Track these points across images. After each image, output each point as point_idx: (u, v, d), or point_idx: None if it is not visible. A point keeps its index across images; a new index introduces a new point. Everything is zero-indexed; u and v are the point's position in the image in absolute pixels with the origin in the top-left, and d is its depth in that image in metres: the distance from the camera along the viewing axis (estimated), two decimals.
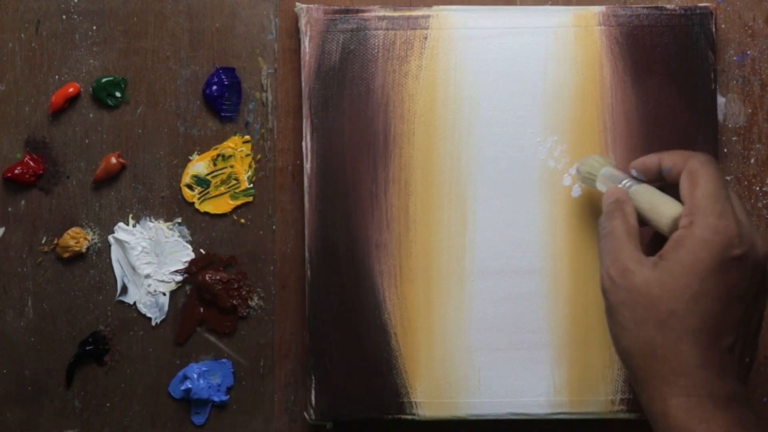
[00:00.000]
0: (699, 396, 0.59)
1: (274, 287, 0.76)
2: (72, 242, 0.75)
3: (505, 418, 0.73)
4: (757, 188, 0.75)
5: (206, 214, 0.75)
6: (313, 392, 0.73)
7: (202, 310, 0.75)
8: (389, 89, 0.74)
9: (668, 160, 0.64)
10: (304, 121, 0.74)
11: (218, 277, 0.75)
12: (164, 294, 0.75)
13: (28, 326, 0.75)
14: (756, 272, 0.60)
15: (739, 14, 0.76)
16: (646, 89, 0.73)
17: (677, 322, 0.59)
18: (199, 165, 0.75)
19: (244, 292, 0.75)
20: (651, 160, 0.66)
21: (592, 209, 0.73)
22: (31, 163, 0.75)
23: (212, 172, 0.75)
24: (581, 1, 0.75)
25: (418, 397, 0.73)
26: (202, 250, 0.75)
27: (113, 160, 0.75)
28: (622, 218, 0.63)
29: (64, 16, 0.75)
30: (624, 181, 0.66)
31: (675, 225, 0.62)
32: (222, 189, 0.75)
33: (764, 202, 0.75)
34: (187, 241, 0.75)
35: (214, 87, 0.75)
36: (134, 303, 0.75)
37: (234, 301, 0.75)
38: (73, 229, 0.75)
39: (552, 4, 0.75)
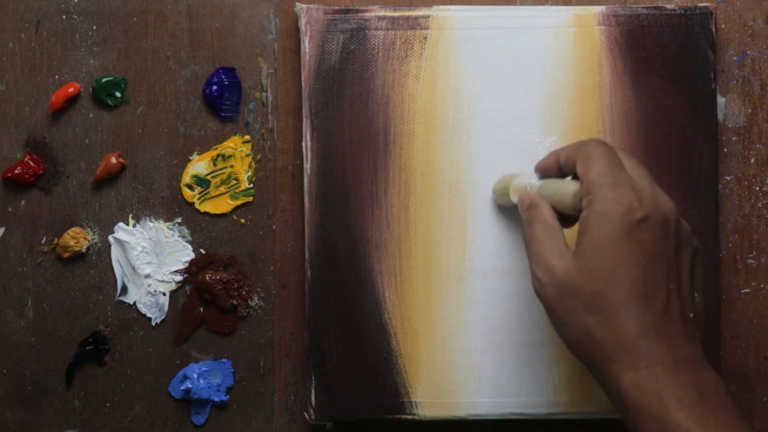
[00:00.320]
0: (647, 367, 0.58)
1: (274, 287, 0.76)
2: (72, 242, 0.75)
3: (505, 418, 0.73)
4: (757, 188, 0.75)
5: (206, 214, 0.75)
6: (313, 392, 0.73)
7: (202, 310, 0.75)
8: (389, 89, 0.74)
9: (563, 154, 0.65)
10: (304, 121, 0.73)
11: (218, 277, 0.75)
12: (164, 294, 0.75)
13: (28, 326, 0.75)
14: (667, 229, 0.60)
15: (739, 14, 0.76)
16: (646, 89, 0.73)
17: (602, 300, 0.59)
18: (199, 165, 0.75)
19: (244, 292, 0.75)
20: (549, 158, 0.66)
21: None
22: (31, 163, 0.75)
23: (212, 172, 0.75)
24: (581, 1, 0.75)
25: (418, 397, 0.73)
26: (202, 250, 0.76)
27: (113, 160, 0.75)
28: (540, 221, 0.64)
29: (64, 16, 0.75)
30: (530, 183, 0.67)
31: (579, 200, 0.62)
32: (222, 189, 0.75)
33: (764, 202, 0.75)
34: (187, 241, 0.75)
35: (214, 87, 0.75)
36: (134, 303, 0.75)
37: (234, 301, 0.75)
38: (73, 229, 0.75)
39: (552, 4, 0.75)
